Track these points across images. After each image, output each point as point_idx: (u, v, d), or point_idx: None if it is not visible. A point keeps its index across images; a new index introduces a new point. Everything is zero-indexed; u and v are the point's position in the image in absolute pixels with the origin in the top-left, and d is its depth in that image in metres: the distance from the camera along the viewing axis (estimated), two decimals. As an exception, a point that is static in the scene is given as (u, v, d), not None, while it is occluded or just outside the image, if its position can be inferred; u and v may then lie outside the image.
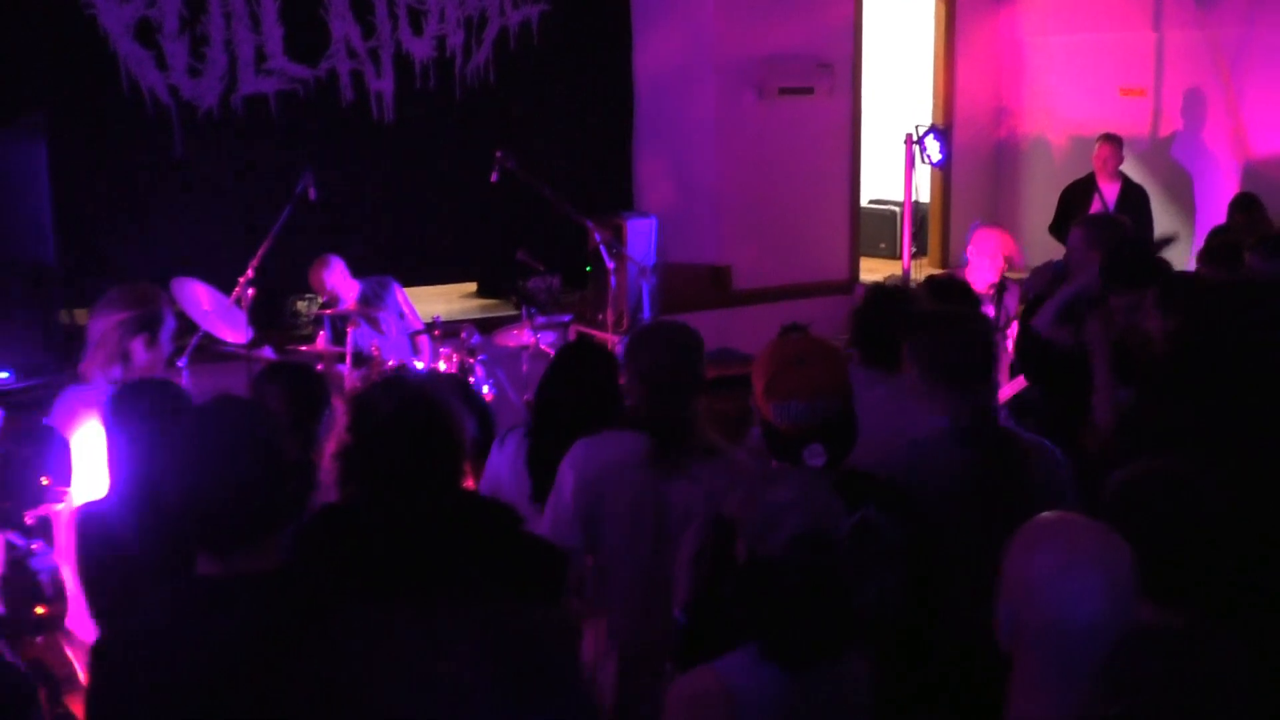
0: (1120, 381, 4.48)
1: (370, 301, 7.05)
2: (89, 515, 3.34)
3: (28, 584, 4.18)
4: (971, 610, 3.04)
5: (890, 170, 10.45)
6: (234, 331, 6.15)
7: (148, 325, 4.05)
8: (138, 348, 4.02)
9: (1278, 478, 3.38)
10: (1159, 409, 3.90)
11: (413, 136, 8.69)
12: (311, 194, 6.86)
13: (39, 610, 4.17)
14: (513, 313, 8.34)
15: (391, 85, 8.64)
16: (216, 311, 6.05)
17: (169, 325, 4.16)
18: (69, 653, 4.10)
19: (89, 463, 3.96)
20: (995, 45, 10.97)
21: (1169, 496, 2.56)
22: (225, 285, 6.45)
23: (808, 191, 9.82)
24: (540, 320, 7.15)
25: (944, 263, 10.69)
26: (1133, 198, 8.72)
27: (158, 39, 7.87)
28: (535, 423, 4.06)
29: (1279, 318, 3.82)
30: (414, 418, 2.84)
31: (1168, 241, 7.89)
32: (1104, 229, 5.39)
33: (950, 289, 4.85)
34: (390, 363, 6.62)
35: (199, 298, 5.98)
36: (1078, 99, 10.41)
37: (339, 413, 3.64)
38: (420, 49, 8.71)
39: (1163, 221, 9.04)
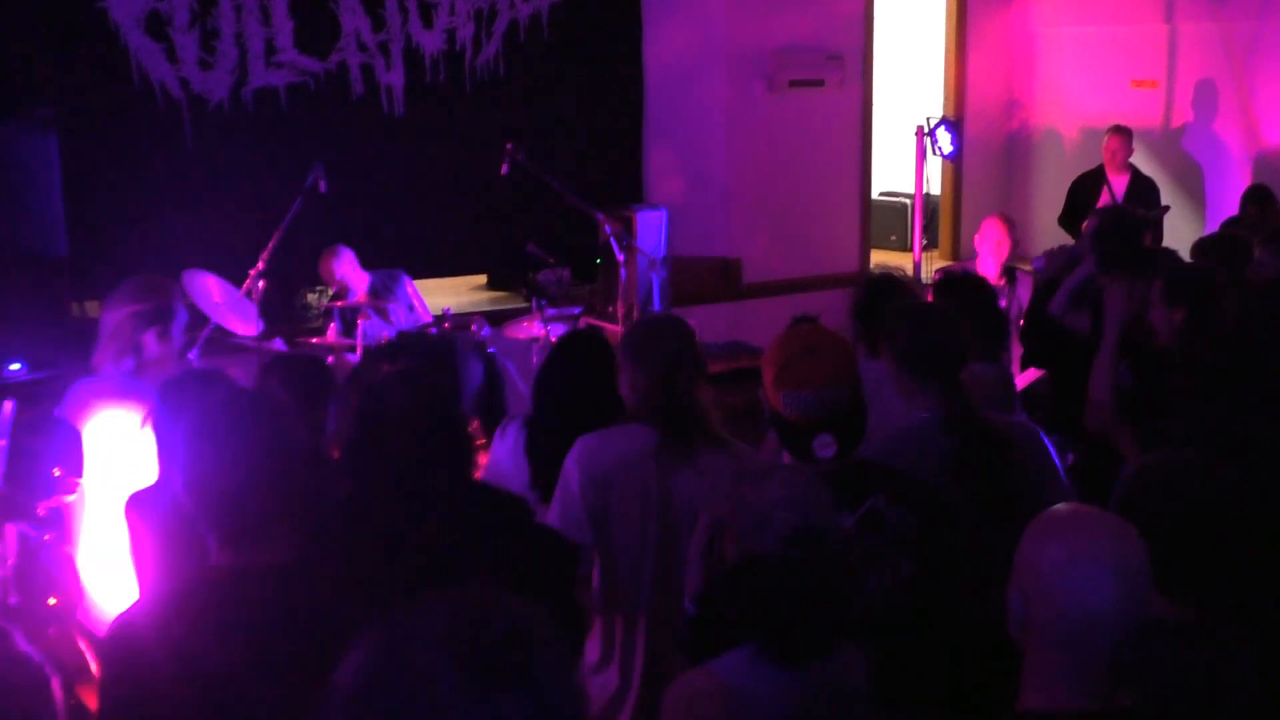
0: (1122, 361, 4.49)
1: (380, 294, 7.06)
2: (141, 500, 3.33)
3: (40, 575, 4.20)
4: (967, 597, 3.06)
5: (901, 162, 10.42)
6: (244, 324, 6.16)
7: (160, 318, 4.06)
8: (150, 340, 4.03)
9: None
10: (1167, 402, 3.90)
11: (423, 129, 8.69)
12: (322, 186, 6.86)
13: (51, 601, 4.19)
14: (522, 305, 8.34)
15: (401, 78, 8.64)
16: (227, 304, 6.07)
17: (181, 318, 4.16)
18: (80, 644, 4.12)
19: (110, 453, 3.98)
20: (1007, 37, 10.94)
21: (1181, 489, 2.55)
22: (236, 278, 6.46)
23: (818, 184, 9.81)
24: (550, 313, 7.16)
25: (955, 255, 10.67)
26: (1142, 190, 8.70)
27: (168, 32, 7.87)
28: (533, 412, 4.08)
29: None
30: (425, 411, 2.85)
31: (1157, 218, 7.86)
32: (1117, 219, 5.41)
33: (963, 282, 4.84)
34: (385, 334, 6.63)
35: (210, 290, 6.00)
36: (1089, 91, 10.38)
37: (348, 403, 3.65)
38: (430, 42, 8.71)
39: (1174, 214, 9.01)
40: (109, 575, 4.03)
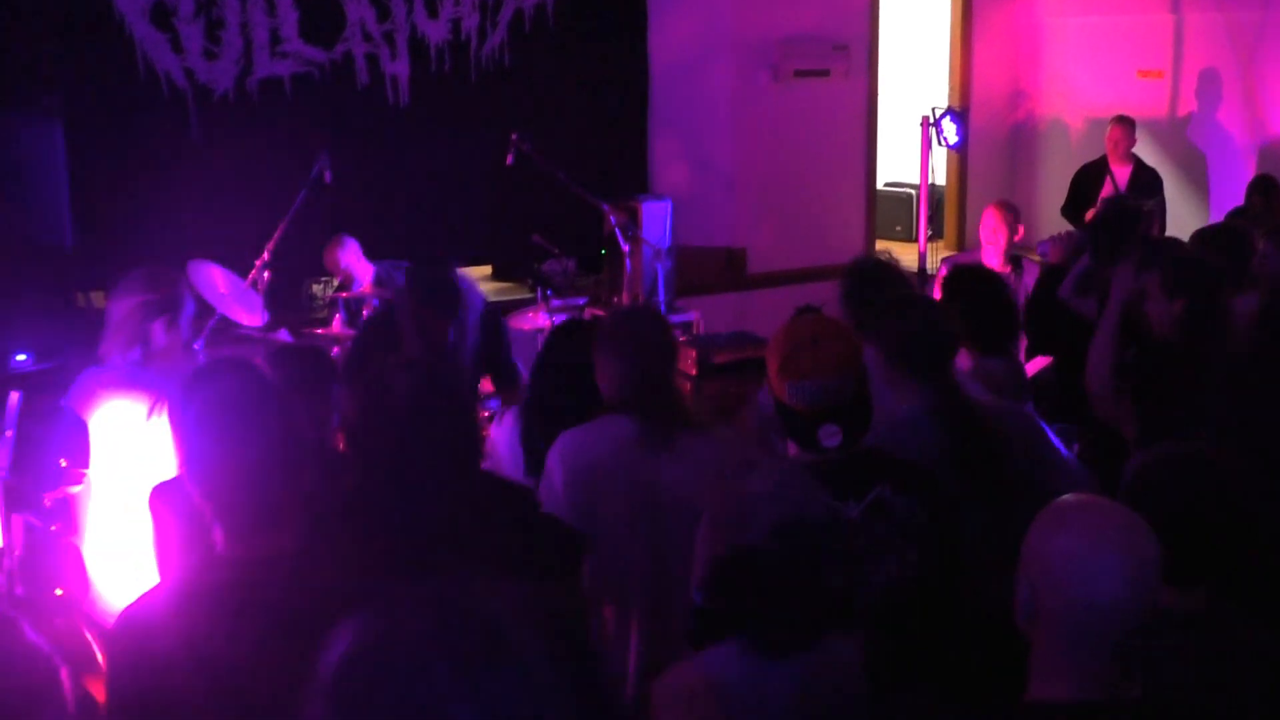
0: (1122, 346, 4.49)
1: (385, 284, 7.06)
2: (166, 491, 3.34)
3: (46, 566, 4.21)
4: (970, 586, 3.06)
5: (906, 152, 10.41)
6: (250, 314, 6.16)
7: (168, 308, 4.06)
8: (158, 330, 4.03)
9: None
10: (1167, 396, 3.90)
11: (428, 119, 8.69)
12: (327, 177, 6.87)
13: (58, 592, 4.20)
14: (528, 296, 8.34)
15: (407, 68, 8.63)
16: (233, 294, 6.06)
17: (189, 309, 4.17)
18: (87, 634, 4.13)
19: (116, 444, 3.98)
20: (1013, 27, 10.92)
21: (1189, 481, 2.55)
22: (241, 268, 6.46)
23: (823, 174, 9.80)
24: (556, 303, 7.15)
25: (960, 245, 10.66)
26: (1145, 180, 8.68)
27: (173, 22, 7.87)
28: (529, 399, 4.09)
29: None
30: (430, 400, 2.85)
31: (1153, 210, 7.84)
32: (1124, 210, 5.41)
33: (971, 276, 4.83)
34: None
35: (215, 280, 5.99)
36: (1095, 81, 10.37)
37: (351, 392, 3.65)
38: (435, 32, 8.70)
39: (1178, 204, 9.01)
40: (115, 566, 4.03)
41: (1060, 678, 2.11)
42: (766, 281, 9.36)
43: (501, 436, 4.07)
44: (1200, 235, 5.61)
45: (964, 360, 4.27)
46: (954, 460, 3.35)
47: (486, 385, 5.63)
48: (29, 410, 4.26)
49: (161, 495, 3.31)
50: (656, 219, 8.12)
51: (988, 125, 10.75)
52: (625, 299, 7.76)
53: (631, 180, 9.28)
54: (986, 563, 3.07)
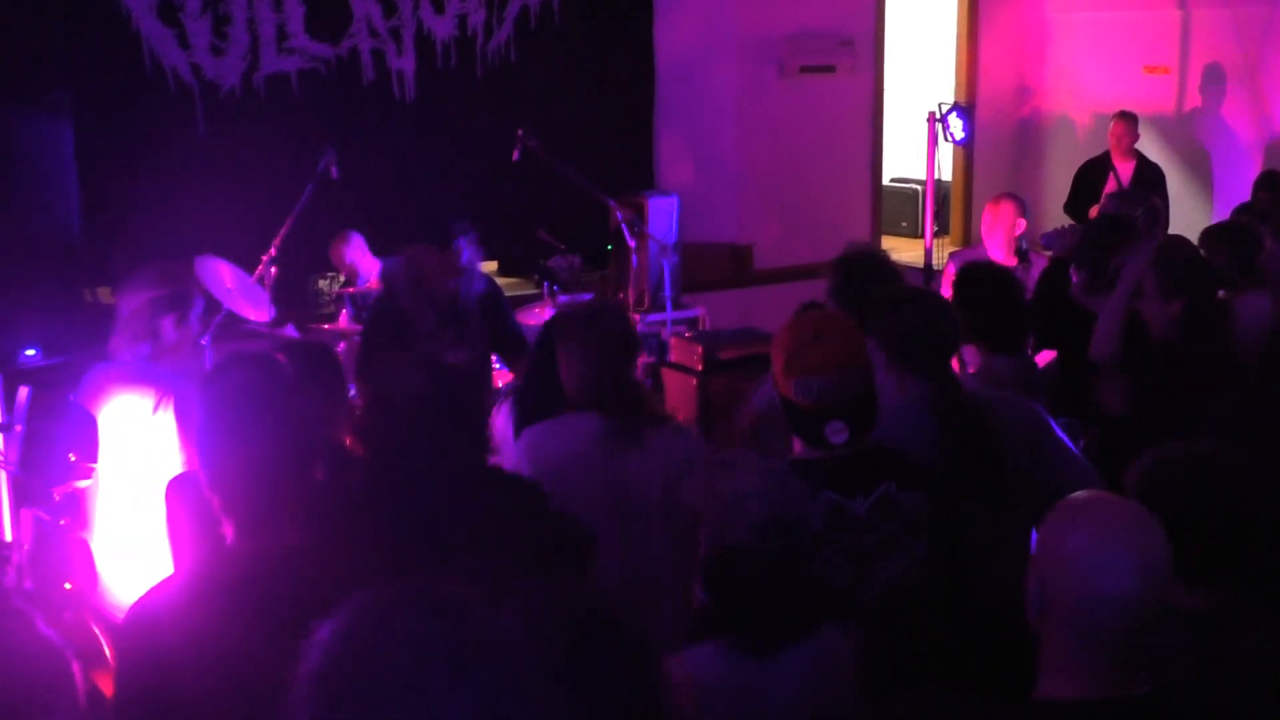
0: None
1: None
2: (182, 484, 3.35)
3: (55, 560, 4.22)
4: (974, 580, 3.06)
5: (912, 148, 10.40)
6: (257, 310, 6.17)
7: (178, 304, 4.07)
8: (167, 326, 4.04)
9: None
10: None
11: (434, 115, 8.68)
12: (334, 172, 6.87)
13: (66, 586, 4.21)
14: (534, 291, 8.34)
15: (413, 64, 8.63)
16: (239, 290, 6.07)
17: (198, 304, 4.18)
18: (96, 629, 4.14)
19: (125, 438, 3.99)
20: (1019, 23, 10.90)
21: (1199, 478, 2.55)
22: (248, 264, 6.46)
23: (829, 170, 9.79)
24: (562, 299, 7.16)
25: (966, 241, 10.64)
26: (1148, 176, 8.68)
27: (180, 18, 7.87)
28: (522, 389, 4.11)
29: None
30: (440, 397, 2.85)
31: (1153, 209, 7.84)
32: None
33: (982, 275, 4.81)
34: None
35: (222, 276, 6.00)
36: (1101, 77, 10.35)
37: (361, 388, 3.67)
38: (441, 27, 8.70)
39: (1182, 200, 9.00)
40: (124, 560, 4.05)
41: (1069, 675, 2.09)
42: (772, 277, 9.35)
43: (499, 425, 4.08)
44: (1208, 233, 5.61)
45: (973, 358, 4.27)
46: (949, 455, 3.34)
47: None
48: (38, 405, 4.26)
49: (177, 488, 3.33)
50: (662, 215, 8.13)
51: (994, 121, 10.73)
52: (631, 295, 7.77)
53: (637, 176, 9.27)
54: (985, 559, 3.08)
